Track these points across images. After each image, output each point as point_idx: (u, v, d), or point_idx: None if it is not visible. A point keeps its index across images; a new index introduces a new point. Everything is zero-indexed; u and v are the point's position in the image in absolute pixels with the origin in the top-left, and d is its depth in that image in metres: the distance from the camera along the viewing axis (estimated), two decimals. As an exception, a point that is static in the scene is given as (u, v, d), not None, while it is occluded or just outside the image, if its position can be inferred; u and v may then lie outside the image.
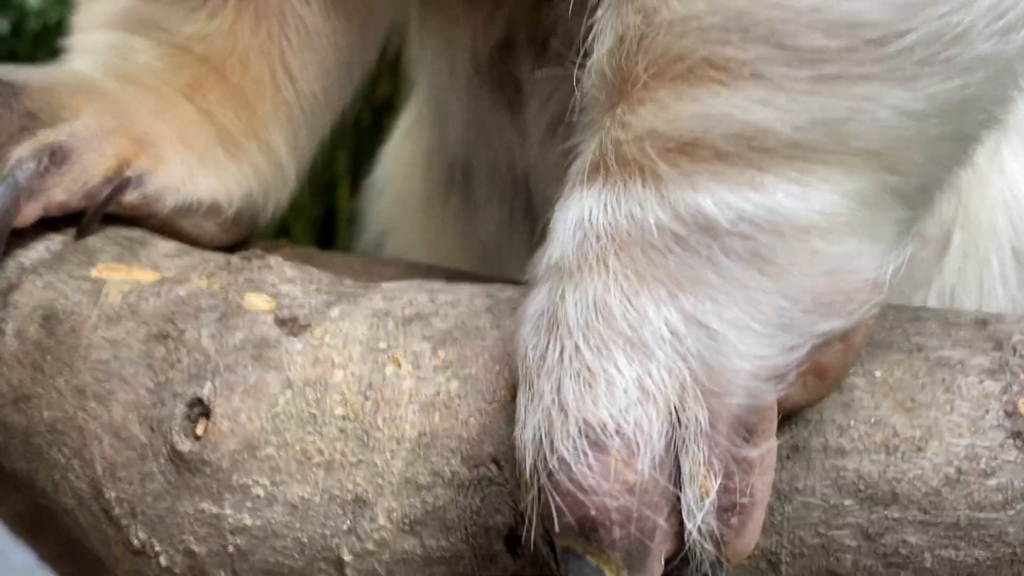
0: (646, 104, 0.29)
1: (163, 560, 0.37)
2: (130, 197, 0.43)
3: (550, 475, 0.28)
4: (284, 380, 0.36)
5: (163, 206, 0.44)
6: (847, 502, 0.33)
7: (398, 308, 0.37)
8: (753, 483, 0.29)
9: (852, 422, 0.34)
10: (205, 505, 0.36)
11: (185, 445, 0.36)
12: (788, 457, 0.33)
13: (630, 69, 0.29)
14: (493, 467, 0.33)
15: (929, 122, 0.29)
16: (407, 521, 0.34)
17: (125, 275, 0.40)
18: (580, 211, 0.32)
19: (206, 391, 0.36)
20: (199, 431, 0.36)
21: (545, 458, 0.28)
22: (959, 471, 0.33)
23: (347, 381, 0.35)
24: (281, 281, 0.39)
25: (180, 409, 0.36)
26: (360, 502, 0.35)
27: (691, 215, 0.28)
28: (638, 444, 0.28)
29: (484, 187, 0.60)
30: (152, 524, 0.36)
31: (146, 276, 0.40)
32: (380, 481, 0.34)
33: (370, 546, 0.35)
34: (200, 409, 0.36)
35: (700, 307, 0.28)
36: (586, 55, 0.32)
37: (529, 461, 0.29)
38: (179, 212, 0.44)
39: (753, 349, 0.28)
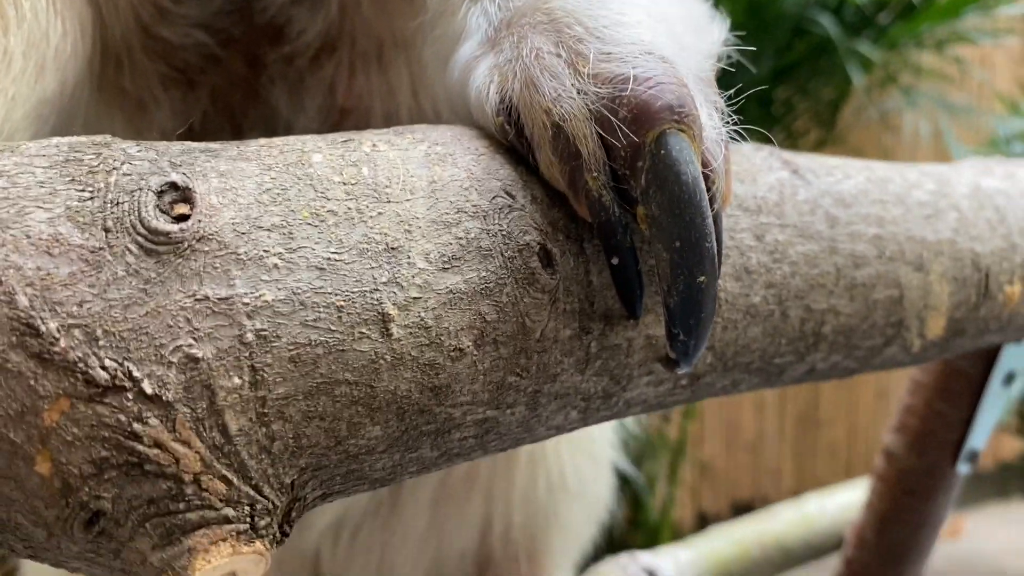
0: None
1: (148, 386, 0.28)
2: None
3: (633, 81, 0.32)
4: (261, 165, 0.32)
5: None
6: (737, 213, 0.42)
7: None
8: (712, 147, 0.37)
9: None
10: (208, 290, 0.29)
11: (169, 226, 0.29)
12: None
13: None
14: (507, 196, 0.35)
15: None
16: (446, 258, 0.33)
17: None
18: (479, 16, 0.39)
19: (175, 176, 0.31)
20: (181, 210, 0.30)
21: (620, 80, 0.33)
22: (780, 193, 0.45)
23: (328, 158, 0.34)
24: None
25: (147, 197, 0.30)
26: (393, 250, 0.32)
27: None
28: (660, 77, 0.34)
29: None
30: (124, 343, 0.28)
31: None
32: (408, 227, 0.33)
33: (414, 293, 0.32)
34: (174, 195, 0.30)
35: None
36: None
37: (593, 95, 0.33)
38: None
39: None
